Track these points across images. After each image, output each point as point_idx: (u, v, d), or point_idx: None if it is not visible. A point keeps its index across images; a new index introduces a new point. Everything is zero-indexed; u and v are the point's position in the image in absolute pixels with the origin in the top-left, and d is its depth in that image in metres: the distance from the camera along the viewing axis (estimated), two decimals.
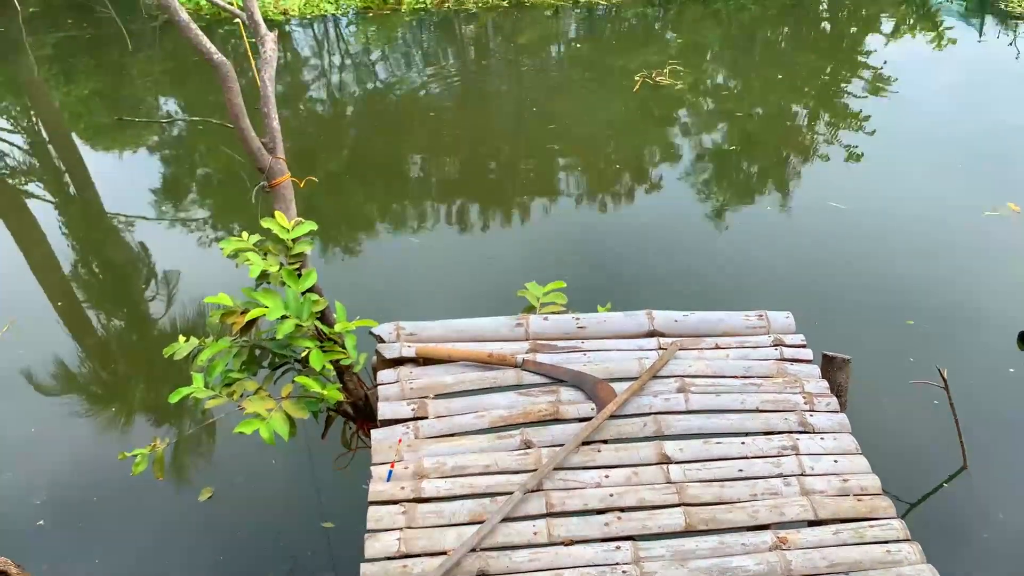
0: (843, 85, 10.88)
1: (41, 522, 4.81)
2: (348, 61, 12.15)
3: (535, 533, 3.43)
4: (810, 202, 8.13)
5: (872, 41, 12.42)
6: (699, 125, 9.89)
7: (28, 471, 5.14)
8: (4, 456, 5.27)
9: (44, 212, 8.27)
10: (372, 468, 3.72)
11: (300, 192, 4.57)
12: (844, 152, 9.08)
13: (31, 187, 8.78)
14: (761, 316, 4.57)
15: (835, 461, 3.80)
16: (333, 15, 13.35)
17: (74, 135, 9.89)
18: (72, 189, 8.83)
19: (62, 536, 4.75)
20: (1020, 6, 13.29)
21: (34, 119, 10.52)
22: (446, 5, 13.51)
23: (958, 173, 8.58)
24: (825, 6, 14.15)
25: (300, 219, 4.31)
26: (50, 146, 9.77)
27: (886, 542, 3.44)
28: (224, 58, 3.96)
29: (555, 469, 3.67)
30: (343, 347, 4.23)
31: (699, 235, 7.65)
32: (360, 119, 10.57)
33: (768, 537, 3.44)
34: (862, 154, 8.99)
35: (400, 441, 3.84)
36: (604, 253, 7.30)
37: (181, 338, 4.25)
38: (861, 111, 10.01)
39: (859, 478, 3.72)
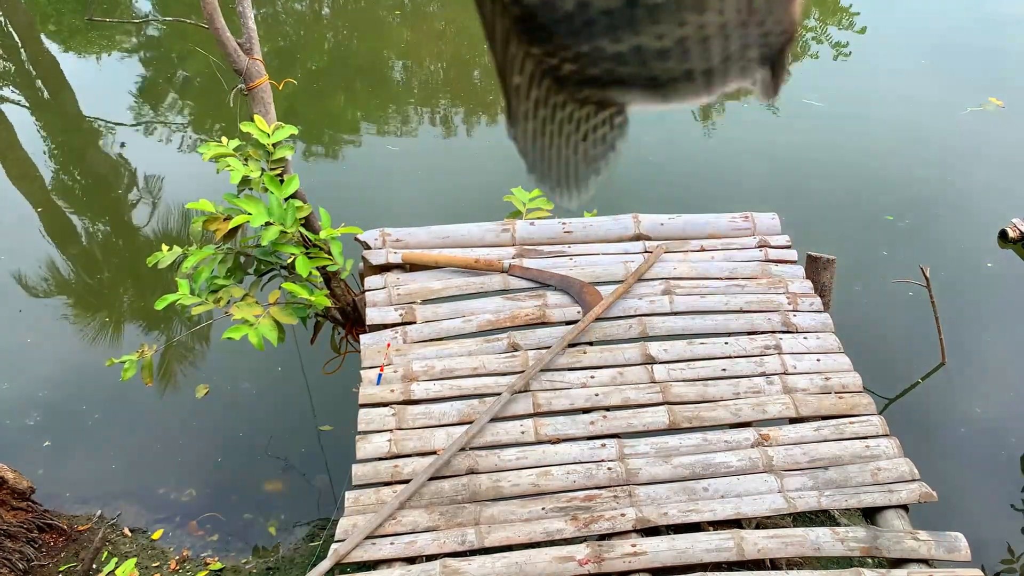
0: None
1: (46, 441, 4.86)
2: None
3: (523, 432, 3.49)
4: (796, 100, 8.01)
5: None
6: None
7: (19, 380, 5.17)
8: None
9: (19, 116, 8.06)
10: (362, 372, 3.76)
11: (279, 95, 4.46)
12: (832, 51, 8.90)
13: (3, 91, 8.54)
14: (747, 218, 4.56)
15: (817, 360, 3.86)
16: None
17: (43, 37, 9.56)
18: (46, 94, 8.59)
19: (58, 442, 4.82)
20: None
21: (3, 20, 10.15)
22: None
23: (942, 67, 8.44)
24: None
25: (280, 123, 4.22)
26: (23, 50, 9.45)
27: (865, 438, 3.53)
28: None
29: (541, 371, 3.71)
30: (329, 253, 4.21)
31: (684, 136, 7.54)
32: (339, 16, 10.26)
33: (750, 434, 3.52)
34: (850, 53, 8.82)
35: (389, 345, 3.87)
36: None
37: (164, 247, 4.21)
38: (851, 4, 9.78)
39: (841, 376, 3.79)
